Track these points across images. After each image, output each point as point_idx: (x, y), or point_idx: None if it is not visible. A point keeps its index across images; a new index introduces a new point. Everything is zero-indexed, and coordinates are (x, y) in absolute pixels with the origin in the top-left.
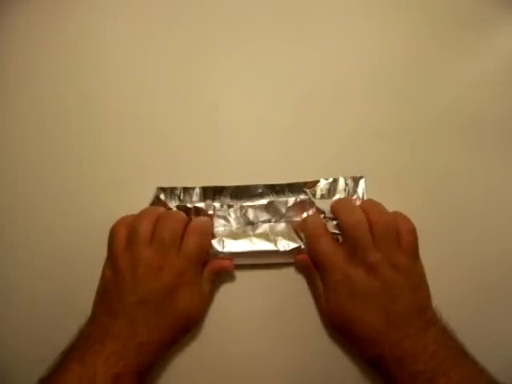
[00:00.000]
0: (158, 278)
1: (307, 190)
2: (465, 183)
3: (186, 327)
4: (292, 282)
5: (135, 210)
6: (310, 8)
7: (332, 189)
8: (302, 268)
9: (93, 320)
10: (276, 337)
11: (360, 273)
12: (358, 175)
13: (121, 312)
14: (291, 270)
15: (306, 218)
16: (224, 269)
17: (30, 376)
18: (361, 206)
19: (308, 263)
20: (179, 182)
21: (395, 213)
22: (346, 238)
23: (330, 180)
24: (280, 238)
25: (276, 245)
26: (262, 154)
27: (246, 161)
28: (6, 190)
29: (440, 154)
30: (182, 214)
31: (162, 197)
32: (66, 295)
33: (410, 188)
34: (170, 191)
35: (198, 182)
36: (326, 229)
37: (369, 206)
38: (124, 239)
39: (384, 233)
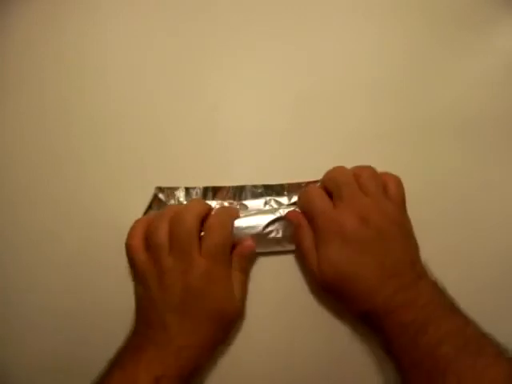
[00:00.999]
0: (184, 283)
1: None
2: (465, 183)
3: (224, 326)
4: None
5: (135, 209)
6: (309, 9)
7: None
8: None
9: (133, 332)
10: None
11: (352, 220)
12: None
13: (156, 321)
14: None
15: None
16: (248, 249)
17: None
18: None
19: (299, 217)
20: (179, 182)
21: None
22: (332, 186)
23: None
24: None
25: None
26: (262, 154)
27: (245, 161)
28: (7, 190)
29: (440, 154)
30: (199, 205)
31: (161, 196)
32: (67, 298)
33: (410, 188)
34: (170, 191)
35: (198, 181)
36: (319, 188)
37: (354, 166)
38: (142, 251)
39: (369, 180)
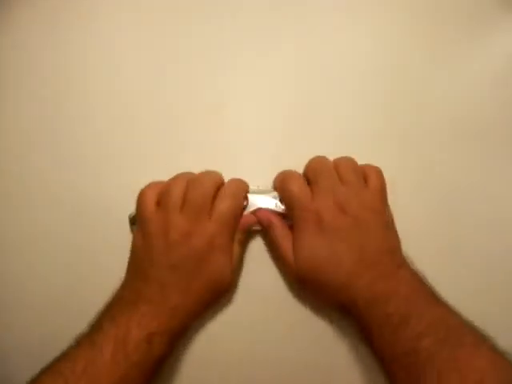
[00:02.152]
0: (189, 243)
1: None
2: (465, 184)
3: (218, 292)
4: None
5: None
6: (310, 10)
7: None
8: (264, 226)
9: (125, 285)
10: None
11: (329, 209)
12: None
13: (152, 277)
14: None
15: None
16: (249, 224)
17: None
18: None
19: (269, 217)
20: None
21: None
22: (311, 174)
23: None
24: None
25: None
26: (262, 153)
27: (245, 160)
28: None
29: (440, 154)
30: (216, 175)
31: None
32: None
33: (410, 189)
34: None
35: None
36: (298, 173)
37: (336, 158)
38: (153, 204)
39: (348, 170)
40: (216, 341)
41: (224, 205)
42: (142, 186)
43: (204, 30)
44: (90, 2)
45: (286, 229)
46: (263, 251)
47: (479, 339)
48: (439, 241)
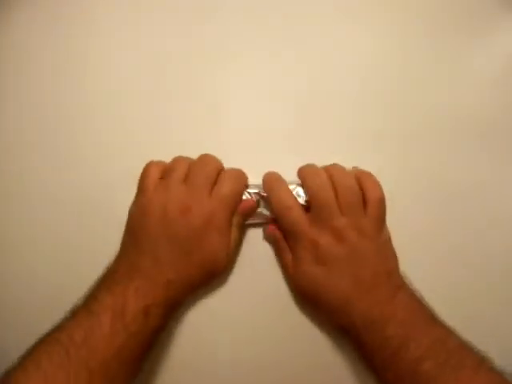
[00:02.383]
0: (187, 219)
1: None
2: (465, 184)
3: (213, 272)
4: None
5: None
6: (310, 10)
7: None
8: (270, 240)
9: (120, 257)
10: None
11: (326, 238)
12: None
13: (148, 249)
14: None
15: (272, 190)
16: (249, 208)
17: None
18: (325, 170)
19: (276, 234)
20: None
21: (364, 174)
22: (312, 203)
23: None
24: None
25: None
26: (262, 153)
27: (246, 160)
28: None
29: (440, 154)
30: (218, 159)
31: None
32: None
33: (409, 189)
34: None
35: None
36: (295, 199)
37: (332, 169)
38: (156, 178)
39: (348, 197)
40: (210, 321)
41: (226, 186)
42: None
43: (204, 29)
44: (90, 1)
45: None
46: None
47: (478, 361)
48: (439, 241)
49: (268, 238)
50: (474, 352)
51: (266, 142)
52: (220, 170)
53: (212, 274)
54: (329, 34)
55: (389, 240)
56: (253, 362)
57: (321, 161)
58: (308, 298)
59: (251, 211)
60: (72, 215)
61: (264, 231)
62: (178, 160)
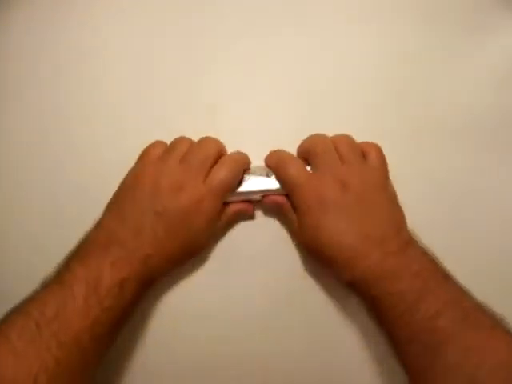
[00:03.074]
0: (177, 197)
1: None
2: (464, 184)
3: (191, 253)
4: None
5: None
6: (311, 9)
7: None
8: (273, 209)
9: (100, 224)
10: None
11: (330, 188)
12: None
13: (131, 218)
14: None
15: (271, 153)
16: (243, 212)
17: None
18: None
19: (278, 198)
20: None
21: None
22: (311, 155)
23: None
24: None
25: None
26: (262, 153)
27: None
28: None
29: (440, 154)
30: (221, 143)
31: None
32: None
33: (409, 189)
34: None
35: None
36: (293, 155)
37: (332, 136)
38: (156, 154)
39: (348, 148)
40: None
41: (221, 173)
42: None
43: (203, 28)
44: (90, 1)
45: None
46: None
47: (495, 321)
48: (440, 241)
49: (271, 206)
50: (490, 312)
51: (266, 141)
52: (221, 154)
53: (190, 255)
54: (328, 34)
55: (395, 196)
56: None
57: None
58: (315, 255)
59: (244, 215)
60: (71, 214)
61: (265, 201)
62: (180, 140)
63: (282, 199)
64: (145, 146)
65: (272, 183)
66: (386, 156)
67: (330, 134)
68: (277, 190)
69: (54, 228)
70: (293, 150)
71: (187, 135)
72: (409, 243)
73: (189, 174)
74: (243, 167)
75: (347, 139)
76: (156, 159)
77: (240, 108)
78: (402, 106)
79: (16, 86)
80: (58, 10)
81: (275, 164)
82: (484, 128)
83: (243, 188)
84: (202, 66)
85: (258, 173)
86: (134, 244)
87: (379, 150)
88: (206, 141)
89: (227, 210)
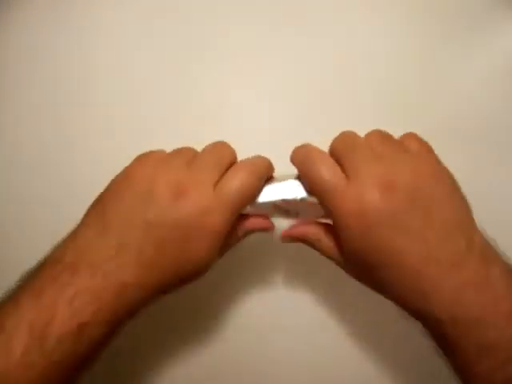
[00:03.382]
0: (176, 204)
1: None
2: (464, 184)
3: (185, 281)
4: None
5: None
6: (312, 9)
7: None
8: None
9: (74, 234)
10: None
11: (373, 193)
12: None
13: (114, 226)
14: None
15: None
16: (265, 229)
17: None
18: None
19: (301, 231)
20: None
21: None
22: (342, 154)
23: None
24: None
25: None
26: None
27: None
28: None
29: (440, 154)
30: (234, 150)
31: None
32: None
33: None
34: None
35: None
36: (323, 151)
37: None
38: (158, 155)
39: (383, 139)
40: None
41: (236, 178)
42: None
43: (204, 28)
44: (90, 1)
45: (323, 229)
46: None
47: None
48: None
49: (297, 237)
50: None
51: (266, 141)
52: (234, 161)
53: (182, 283)
54: (328, 33)
55: (455, 184)
56: None
57: None
58: (366, 281)
59: (261, 230)
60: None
61: (285, 237)
62: (187, 146)
63: (303, 231)
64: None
65: (298, 191)
66: None
67: (330, 134)
68: (302, 200)
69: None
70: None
71: (187, 135)
72: (487, 260)
73: (195, 177)
74: (265, 174)
75: (380, 132)
76: (157, 159)
77: (240, 108)
78: (401, 106)
79: (16, 86)
80: (58, 10)
81: (301, 162)
82: (484, 128)
83: (263, 198)
84: (202, 67)
85: (280, 179)
86: (110, 266)
87: (419, 137)
88: (219, 143)
89: (242, 224)
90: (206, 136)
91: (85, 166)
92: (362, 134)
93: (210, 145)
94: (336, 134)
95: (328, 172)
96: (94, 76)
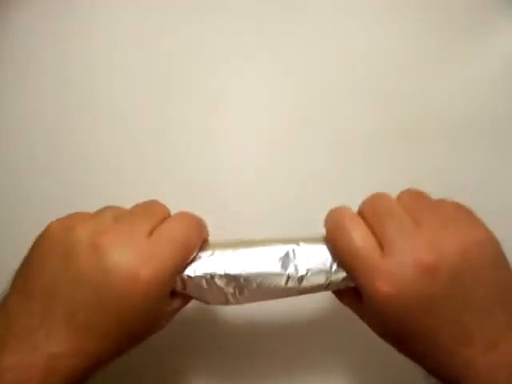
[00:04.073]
0: (103, 257)
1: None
2: (464, 184)
3: (128, 345)
4: None
5: None
6: (310, 11)
7: None
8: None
9: (4, 300)
10: None
11: (412, 275)
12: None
13: (38, 291)
14: None
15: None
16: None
17: None
18: None
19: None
20: (176, 192)
21: None
22: (374, 224)
23: None
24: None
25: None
26: (264, 156)
27: (246, 161)
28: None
29: (440, 154)
30: (167, 208)
31: None
32: None
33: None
34: None
35: (195, 191)
36: (356, 216)
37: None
38: (79, 216)
39: (417, 200)
40: None
41: (175, 225)
42: (140, 189)
43: (203, 28)
44: (90, 1)
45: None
46: None
47: None
48: None
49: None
50: None
51: (266, 141)
52: (167, 216)
53: (136, 342)
54: (328, 33)
55: (498, 245)
56: None
57: (323, 162)
58: (392, 344)
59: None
60: None
61: None
62: (115, 205)
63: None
64: (145, 148)
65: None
66: (385, 157)
67: (330, 133)
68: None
69: None
70: (292, 153)
71: (187, 135)
72: None
73: (124, 228)
74: (205, 229)
75: (413, 192)
76: (79, 217)
77: (240, 108)
78: (401, 106)
79: (16, 87)
80: (58, 10)
81: (331, 226)
82: (485, 128)
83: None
84: (202, 67)
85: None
86: (38, 336)
87: (457, 202)
88: (150, 200)
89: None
90: (206, 136)
91: (84, 164)
92: (362, 134)
93: (140, 202)
94: (336, 133)
95: (360, 238)
96: (94, 76)
